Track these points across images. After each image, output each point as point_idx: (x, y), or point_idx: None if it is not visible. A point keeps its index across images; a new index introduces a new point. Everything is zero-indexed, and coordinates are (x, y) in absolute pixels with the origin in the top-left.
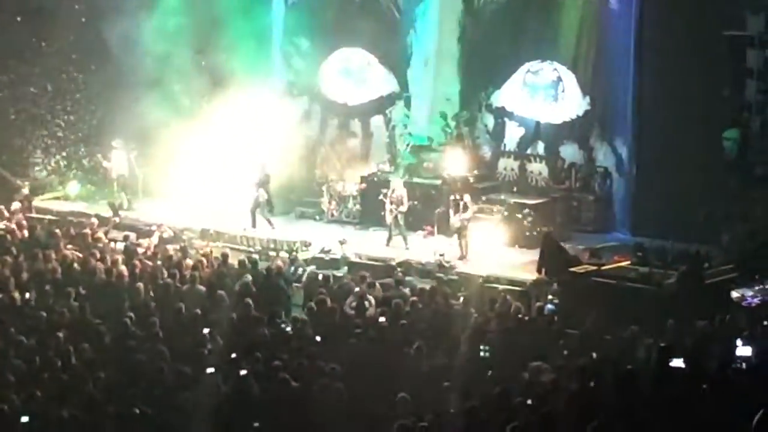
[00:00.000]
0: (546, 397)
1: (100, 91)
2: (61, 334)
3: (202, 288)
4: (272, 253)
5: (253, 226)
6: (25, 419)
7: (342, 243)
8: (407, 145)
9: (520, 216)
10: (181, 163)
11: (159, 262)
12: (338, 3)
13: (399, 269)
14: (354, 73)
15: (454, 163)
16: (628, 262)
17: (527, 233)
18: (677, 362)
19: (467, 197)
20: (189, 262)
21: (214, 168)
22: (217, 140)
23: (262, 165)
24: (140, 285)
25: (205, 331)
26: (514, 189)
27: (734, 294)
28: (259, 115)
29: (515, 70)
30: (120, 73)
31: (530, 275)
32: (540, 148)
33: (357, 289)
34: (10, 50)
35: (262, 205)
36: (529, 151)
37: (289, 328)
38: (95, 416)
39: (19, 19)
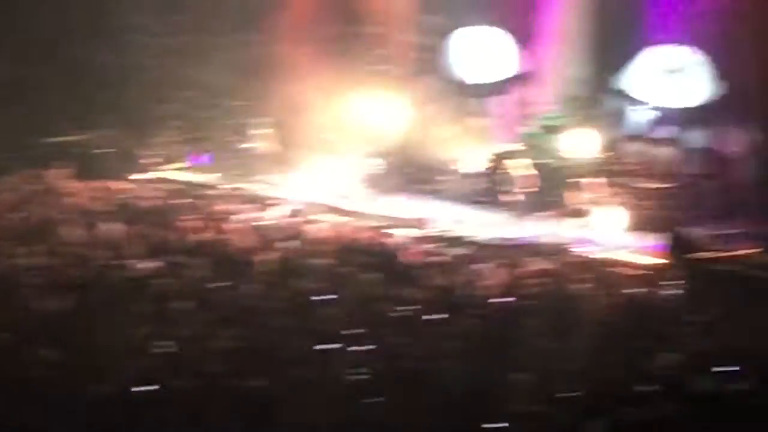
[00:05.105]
0: (667, 386)
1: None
2: (181, 305)
3: (326, 263)
4: (394, 230)
5: (364, 200)
6: (139, 389)
7: (462, 222)
8: (534, 125)
9: (645, 200)
10: (307, 138)
11: (282, 236)
12: None
13: (519, 249)
14: (481, 51)
15: (580, 145)
16: (756, 250)
17: (652, 218)
18: None
19: (592, 180)
20: (312, 236)
21: (339, 144)
22: (343, 115)
23: (373, 139)
24: (269, 257)
25: (327, 306)
26: (640, 173)
27: None
28: (386, 92)
29: (644, 51)
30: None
31: (654, 260)
32: (667, 132)
33: (475, 268)
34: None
35: (374, 179)
36: (655, 135)
37: (408, 307)
38: (208, 388)
39: None
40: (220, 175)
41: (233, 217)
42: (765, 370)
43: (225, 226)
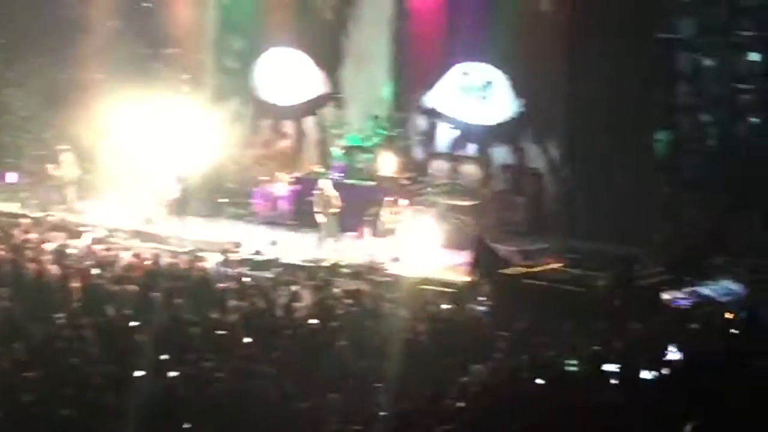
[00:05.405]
0: (478, 400)
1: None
2: None
3: (134, 289)
4: (203, 254)
5: (169, 223)
6: None
7: (273, 244)
8: (339, 146)
9: (452, 218)
10: (113, 164)
11: (89, 263)
12: (271, 3)
13: (330, 270)
14: (287, 73)
15: (387, 164)
16: (560, 264)
17: (459, 235)
18: (609, 366)
19: (400, 199)
20: (120, 262)
21: (146, 170)
22: (148, 140)
23: (178, 163)
24: (71, 286)
25: (136, 332)
26: (446, 191)
27: (665, 297)
28: (189, 115)
29: (447, 71)
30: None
31: (462, 277)
32: (472, 149)
33: (288, 290)
34: None
35: (172, 204)
36: (461, 153)
37: (220, 330)
38: (21, 418)
39: None
40: (24, 202)
41: (38, 246)
42: (568, 378)
43: (30, 254)
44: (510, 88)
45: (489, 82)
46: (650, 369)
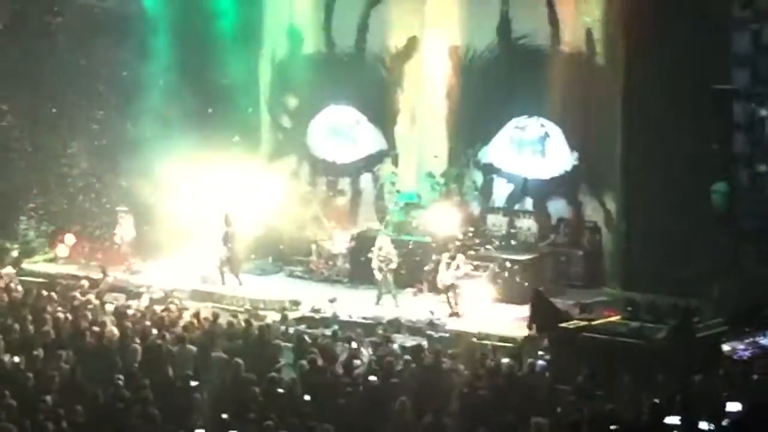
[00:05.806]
0: None
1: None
2: (50, 398)
3: (193, 348)
4: (262, 313)
5: (222, 282)
6: None
7: (332, 301)
8: (396, 202)
9: (509, 272)
10: (171, 224)
11: (149, 323)
12: (325, 60)
13: (389, 327)
14: (342, 131)
15: (443, 220)
16: (619, 317)
17: (517, 289)
18: (670, 419)
19: (460, 256)
20: (179, 322)
21: (202, 229)
22: (205, 200)
23: (225, 220)
24: (130, 346)
25: (196, 392)
26: (503, 245)
27: (725, 348)
28: (246, 175)
29: (503, 126)
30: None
31: (521, 331)
32: (528, 203)
33: (347, 347)
34: None
35: (223, 262)
36: (517, 207)
37: (279, 388)
38: None
39: None
40: (83, 264)
41: (97, 307)
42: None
43: (89, 316)
44: (565, 141)
45: (544, 136)
46: (711, 421)
